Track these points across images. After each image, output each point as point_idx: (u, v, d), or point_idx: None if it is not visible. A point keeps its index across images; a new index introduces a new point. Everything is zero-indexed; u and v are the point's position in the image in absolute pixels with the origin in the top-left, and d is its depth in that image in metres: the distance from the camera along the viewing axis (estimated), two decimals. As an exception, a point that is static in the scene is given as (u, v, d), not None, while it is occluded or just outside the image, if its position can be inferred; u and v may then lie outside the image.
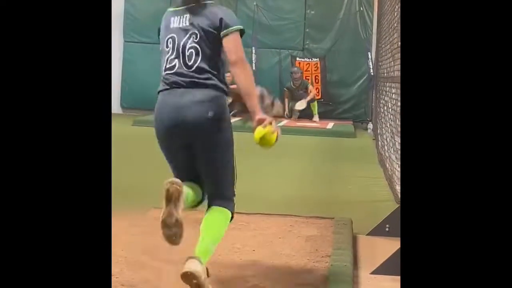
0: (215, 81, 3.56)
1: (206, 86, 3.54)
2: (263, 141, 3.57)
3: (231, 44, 3.55)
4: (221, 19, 3.56)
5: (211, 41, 3.56)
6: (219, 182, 3.62)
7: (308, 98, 14.45)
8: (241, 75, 3.54)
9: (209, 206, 3.63)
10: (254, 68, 15.26)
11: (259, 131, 3.52)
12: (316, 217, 5.19)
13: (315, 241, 4.48)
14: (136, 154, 8.35)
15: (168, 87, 3.61)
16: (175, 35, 3.62)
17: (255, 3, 15.37)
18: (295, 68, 14.82)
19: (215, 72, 3.56)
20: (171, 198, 3.25)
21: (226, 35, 3.55)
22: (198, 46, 3.56)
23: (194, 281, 3.22)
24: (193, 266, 3.25)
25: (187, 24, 3.60)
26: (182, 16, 3.64)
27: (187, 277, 3.24)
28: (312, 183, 7.39)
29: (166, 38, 3.64)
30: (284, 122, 14.17)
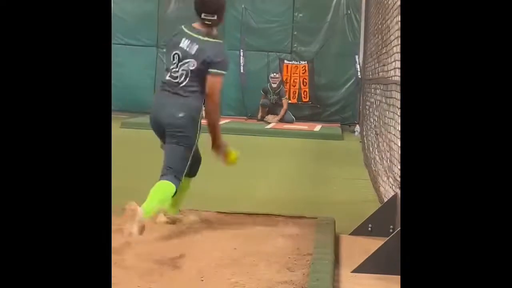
0: (197, 95, 4.64)
1: (189, 97, 4.64)
2: (234, 160, 4.98)
3: (213, 86, 4.63)
4: (216, 62, 4.62)
5: (202, 73, 4.62)
6: (169, 165, 4.65)
7: (279, 116, 14.61)
8: (213, 112, 4.72)
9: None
10: (242, 70, 15.29)
11: (233, 153, 4.95)
12: (299, 217, 5.21)
13: (297, 240, 4.50)
14: (122, 156, 8.34)
15: (165, 90, 4.71)
16: (180, 54, 4.64)
17: (243, 6, 15.39)
18: (277, 75, 14.92)
19: (199, 89, 4.64)
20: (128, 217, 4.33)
21: (212, 74, 4.63)
22: (189, 71, 4.62)
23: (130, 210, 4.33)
24: (135, 206, 4.37)
25: (192, 52, 4.62)
26: (191, 43, 4.64)
27: (127, 209, 4.35)
28: (298, 184, 7.41)
29: (173, 53, 4.67)
30: (272, 124, 14.21)
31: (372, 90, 8.19)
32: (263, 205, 5.91)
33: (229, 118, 14.89)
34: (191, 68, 4.60)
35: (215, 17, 4.68)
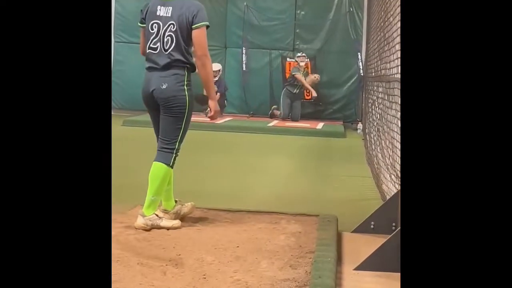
0: (180, 64, 4.69)
1: (172, 67, 4.69)
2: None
3: (197, 38, 4.67)
4: (194, 15, 4.66)
5: (184, 31, 4.68)
6: (163, 136, 4.75)
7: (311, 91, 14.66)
8: (202, 67, 4.72)
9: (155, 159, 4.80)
10: (244, 68, 15.28)
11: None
12: (301, 215, 5.20)
13: (299, 238, 4.49)
14: (124, 154, 8.35)
15: (149, 65, 4.79)
16: (160, 22, 4.70)
17: (245, 4, 15.36)
18: (303, 53, 14.98)
19: (182, 58, 4.68)
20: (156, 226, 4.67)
21: (196, 28, 4.67)
22: (173, 35, 4.67)
23: (142, 229, 4.61)
24: (138, 222, 4.66)
25: (169, 15, 4.69)
26: (165, 7, 4.71)
27: (139, 229, 4.61)
28: (300, 182, 7.41)
29: (152, 22, 4.73)
30: (274, 122, 14.20)
31: (375, 87, 8.18)
32: (265, 202, 5.91)
33: (232, 115, 14.89)
34: (173, 29, 4.66)
35: None
